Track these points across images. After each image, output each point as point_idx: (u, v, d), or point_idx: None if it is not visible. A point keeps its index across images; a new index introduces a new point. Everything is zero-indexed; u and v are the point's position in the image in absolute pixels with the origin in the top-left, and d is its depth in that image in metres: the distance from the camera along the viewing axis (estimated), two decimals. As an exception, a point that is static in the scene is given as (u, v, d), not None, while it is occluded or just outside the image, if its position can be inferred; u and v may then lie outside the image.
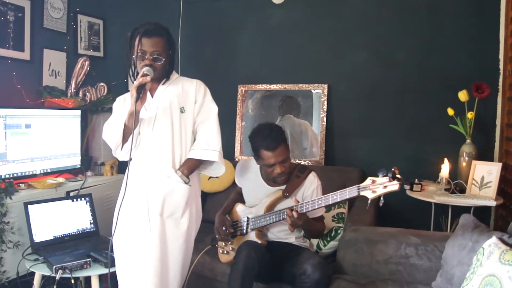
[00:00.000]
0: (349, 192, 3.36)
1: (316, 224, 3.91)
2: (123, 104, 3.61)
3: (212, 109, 3.60)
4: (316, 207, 3.58)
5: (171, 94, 3.50)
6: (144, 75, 3.27)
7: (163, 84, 3.53)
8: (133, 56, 3.43)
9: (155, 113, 3.45)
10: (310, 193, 3.87)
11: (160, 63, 3.39)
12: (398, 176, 3.15)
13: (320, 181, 3.97)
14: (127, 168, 3.49)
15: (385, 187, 3.17)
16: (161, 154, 3.44)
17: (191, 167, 3.50)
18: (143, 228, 3.44)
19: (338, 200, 3.47)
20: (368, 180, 3.26)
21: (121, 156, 3.54)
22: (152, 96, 3.50)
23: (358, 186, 3.30)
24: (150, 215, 3.42)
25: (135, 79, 3.46)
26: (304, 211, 3.60)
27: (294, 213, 3.56)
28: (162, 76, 3.50)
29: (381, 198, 3.21)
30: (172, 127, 3.45)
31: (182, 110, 3.49)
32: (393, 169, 3.16)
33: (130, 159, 3.42)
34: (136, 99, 3.23)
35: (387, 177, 3.16)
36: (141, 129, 3.45)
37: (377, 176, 3.23)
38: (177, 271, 3.55)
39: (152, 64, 3.35)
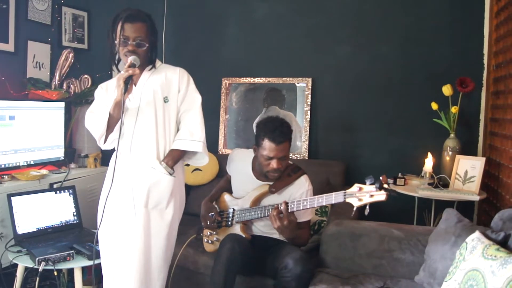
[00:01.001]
0: (335, 197, 3.36)
1: (300, 232, 3.89)
2: (105, 92, 3.60)
3: (195, 98, 3.60)
4: (301, 208, 3.58)
5: (155, 84, 3.48)
6: (132, 65, 3.25)
7: (147, 72, 3.52)
8: (116, 42, 3.40)
9: (138, 104, 3.43)
10: (299, 195, 3.84)
11: (143, 49, 3.37)
12: (386, 186, 3.14)
13: (312, 185, 3.96)
14: (113, 159, 3.47)
15: (371, 196, 3.17)
16: (145, 145, 3.43)
17: (176, 158, 3.50)
18: (128, 220, 3.43)
19: (324, 204, 3.49)
20: (355, 187, 3.26)
21: (105, 146, 3.53)
22: (135, 85, 3.48)
23: (345, 192, 3.30)
24: (136, 207, 3.42)
25: (116, 67, 3.48)
26: (288, 211, 3.61)
27: (283, 205, 3.56)
28: (145, 63, 3.48)
29: (367, 207, 3.19)
30: (156, 118, 3.44)
31: (165, 100, 3.48)
32: (380, 178, 3.15)
33: (115, 150, 3.43)
34: (124, 91, 3.23)
35: (374, 186, 3.15)
36: (125, 120, 3.41)
37: (365, 183, 3.22)
38: (161, 260, 3.54)
39: (135, 50, 3.33)
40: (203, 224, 4.11)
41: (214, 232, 4.07)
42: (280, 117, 3.98)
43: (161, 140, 3.46)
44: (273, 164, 3.73)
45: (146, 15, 3.44)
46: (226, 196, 4.15)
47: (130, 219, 3.43)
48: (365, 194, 3.18)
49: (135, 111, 3.42)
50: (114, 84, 3.54)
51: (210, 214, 4.03)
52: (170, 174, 3.44)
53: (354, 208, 3.26)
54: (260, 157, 3.81)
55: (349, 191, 3.28)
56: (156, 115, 3.44)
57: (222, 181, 4.39)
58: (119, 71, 3.44)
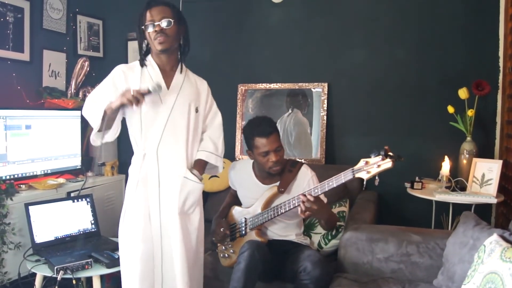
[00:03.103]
0: (344, 176, 3.40)
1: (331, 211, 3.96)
2: (118, 79, 3.50)
3: (218, 113, 3.71)
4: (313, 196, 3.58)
5: (190, 93, 3.48)
6: (149, 91, 3.19)
7: (180, 75, 3.49)
8: (145, 33, 3.34)
9: (170, 110, 3.36)
10: (306, 184, 3.87)
11: (170, 27, 3.27)
12: (391, 153, 3.18)
13: (313, 171, 3.99)
14: (137, 162, 3.43)
15: (378, 166, 3.20)
16: (175, 153, 3.41)
17: (204, 168, 3.59)
18: (155, 226, 3.39)
19: (334, 186, 3.48)
20: (362, 162, 3.30)
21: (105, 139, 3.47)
22: (167, 87, 3.41)
23: (353, 169, 3.34)
24: (162, 213, 3.38)
25: (142, 58, 3.49)
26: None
27: (309, 197, 3.54)
28: (174, 51, 3.47)
29: (376, 178, 3.24)
30: (188, 128, 3.43)
31: (196, 110, 3.50)
32: (385, 148, 3.18)
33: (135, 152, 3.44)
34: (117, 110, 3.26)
35: (380, 156, 3.18)
36: (152, 122, 3.35)
37: (370, 157, 3.26)
38: (193, 264, 3.52)
39: (163, 29, 3.24)
40: (214, 239, 4.12)
41: (230, 245, 4.07)
42: (259, 115, 4.04)
43: (189, 149, 3.47)
44: (272, 157, 3.77)
45: (171, 3, 3.36)
46: (235, 209, 4.15)
47: (156, 225, 3.39)
48: (372, 165, 3.22)
49: (165, 115, 3.36)
50: (123, 76, 3.50)
51: (221, 229, 4.04)
52: (200, 181, 3.47)
53: (364, 182, 3.31)
54: (258, 157, 3.84)
55: (356, 167, 3.32)
56: (188, 124, 3.43)
57: (227, 197, 4.41)
58: (142, 65, 3.48)
